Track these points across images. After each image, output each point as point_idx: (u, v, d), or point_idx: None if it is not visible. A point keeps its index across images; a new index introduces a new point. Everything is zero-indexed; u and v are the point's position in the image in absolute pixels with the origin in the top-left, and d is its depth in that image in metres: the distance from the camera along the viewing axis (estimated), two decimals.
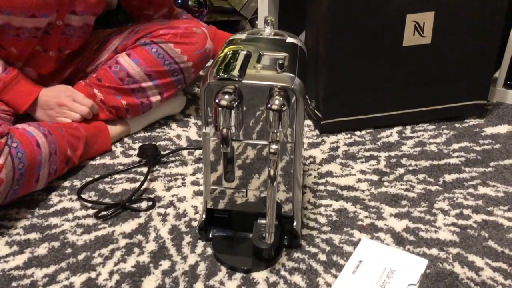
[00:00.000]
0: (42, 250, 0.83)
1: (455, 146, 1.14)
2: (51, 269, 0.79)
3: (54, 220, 0.90)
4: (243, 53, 0.77)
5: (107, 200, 0.95)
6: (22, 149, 0.87)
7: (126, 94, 1.12)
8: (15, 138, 0.88)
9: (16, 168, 0.85)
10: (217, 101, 0.69)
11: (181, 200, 0.95)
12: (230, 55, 0.77)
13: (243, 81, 0.71)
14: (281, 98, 0.69)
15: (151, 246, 0.83)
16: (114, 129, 1.14)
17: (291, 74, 0.72)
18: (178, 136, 1.19)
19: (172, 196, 0.97)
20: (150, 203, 0.94)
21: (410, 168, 1.05)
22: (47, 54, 1.08)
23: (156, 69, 1.12)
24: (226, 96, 0.69)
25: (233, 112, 0.70)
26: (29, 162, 0.88)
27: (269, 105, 0.69)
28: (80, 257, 0.81)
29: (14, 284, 0.76)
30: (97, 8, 1.10)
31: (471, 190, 0.98)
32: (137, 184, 0.99)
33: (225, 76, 0.71)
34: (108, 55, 1.16)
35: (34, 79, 1.11)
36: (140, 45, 1.12)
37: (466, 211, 0.92)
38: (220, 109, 0.70)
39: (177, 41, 1.12)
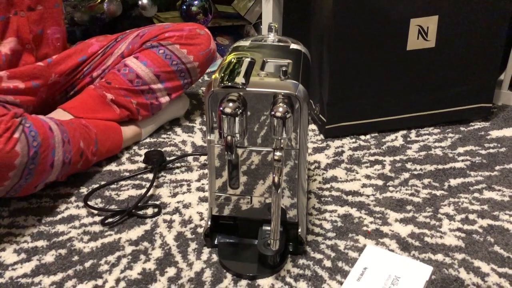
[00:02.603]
0: (49, 257, 0.83)
1: (460, 150, 1.13)
2: (58, 276, 0.79)
3: (61, 228, 0.90)
4: (247, 60, 0.78)
5: (113, 207, 0.96)
6: (35, 129, 0.90)
7: (136, 94, 1.14)
8: (28, 120, 0.90)
9: (30, 145, 0.87)
10: (221, 108, 0.70)
11: (186, 206, 0.96)
12: (234, 62, 0.77)
13: (247, 89, 0.72)
14: (285, 105, 0.69)
15: (157, 253, 0.84)
16: (128, 131, 1.15)
17: (294, 81, 0.72)
18: (184, 142, 1.19)
19: (178, 202, 0.97)
20: (156, 210, 0.94)
21: (415, 172, 1.05)
22: (18, 16, 1.06)
23: (164, 70, 1.14)
24: (230, 104, 0.70)
25: (237, 119, 0.70)
26: (43, 142, 0.90)
27: (273, 113, 0.69)
28: (87, 264, 0.82)
29: None
30: None
31: (476, 194, 0.98)
32: (143, 191, 1.00)
33: (229, 84, 0.71)
34: (115, 59, 1.18)
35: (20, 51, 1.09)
36: (147, 48, 1.15)
37: (471, 216, 0.91)
38: (224, 116, 0.70)
39: (183, 43, 1.15)
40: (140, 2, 1.54)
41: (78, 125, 1.03)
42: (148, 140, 1.20)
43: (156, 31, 1.16)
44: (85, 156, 1.02)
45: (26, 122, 0.90)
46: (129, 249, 0.85)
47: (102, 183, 1.03)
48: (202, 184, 1.03)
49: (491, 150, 1.13)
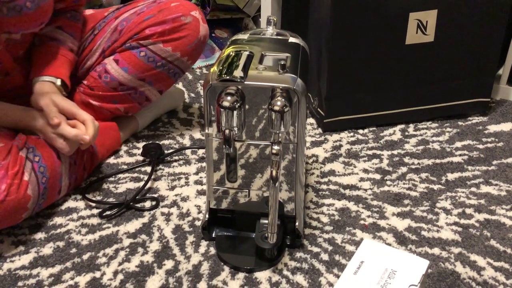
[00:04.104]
0: (47, 250, 0.84)
1: (458, 144, 1.14)
2: (56, 268, 0.80)
3: (59, 220, 0.91)
4: (245, 53, 0.77)
5: (111, 199, 0.96)
6: (44, 163, 0.87)
7: (122, 98, 1.09)
8: (37, 151, 0.88)
9: (40, 182, 0.86)
10: (219, 102, 0.70)
11: (184, 199, 0.96)
12: (232, 55, 0.77)
13: (245, 82, 0.71)
14: (283, 99, 0.69)
15: (155, 245, 0.84)
16: (123, 125, 1.14)
17: (293, 75, 0.72)
18: (182, 135, 1.19)
19: (176, 195, 0.97)
20: (154, 203, 0.94)
21: (413, 166, 1.05)
22: None
23: (149, 73, 1.07)
24: (229, 97, 0.70)
25: (235, 113, 0.70)
26: (51, 175, 0.88)
27: (271, 106, 0.69)
28: (85, 256, 0.82)
29: (20, 283, 0.77)
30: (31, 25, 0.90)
31: (473, 189, 0.98)
32: (141, 184, 1.00)
33: (228, 77, 0.71)
34: (97, 58, 1.10)
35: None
36: (128, 49, 1.06)
37: (468, 210, 0.92)
38: (222, 110, 0.70)
39: (166, 39, 1.04)
40: None
41: None
42: (146, 133, 1.20)
43: (136, 27, 1.05)
44: (87, 167, 1.01)
45: (35, 154, 0.86)
46: (127, 241, 0.85)
47: (100, 175, 1.03)
48: (200, 177, 1.03)
49: (489, 145, 1.13)
